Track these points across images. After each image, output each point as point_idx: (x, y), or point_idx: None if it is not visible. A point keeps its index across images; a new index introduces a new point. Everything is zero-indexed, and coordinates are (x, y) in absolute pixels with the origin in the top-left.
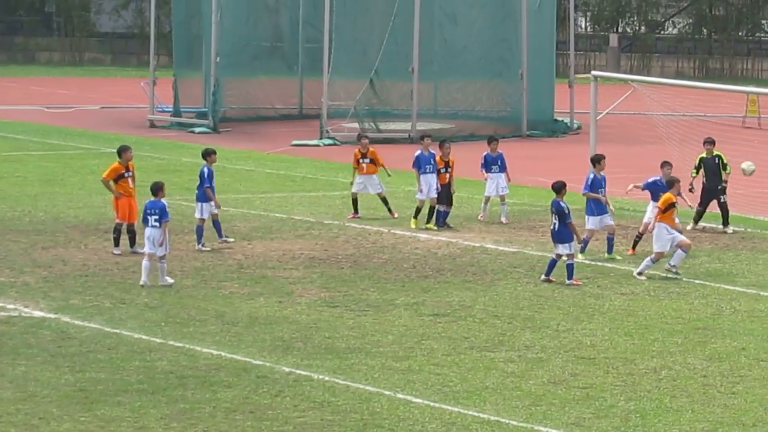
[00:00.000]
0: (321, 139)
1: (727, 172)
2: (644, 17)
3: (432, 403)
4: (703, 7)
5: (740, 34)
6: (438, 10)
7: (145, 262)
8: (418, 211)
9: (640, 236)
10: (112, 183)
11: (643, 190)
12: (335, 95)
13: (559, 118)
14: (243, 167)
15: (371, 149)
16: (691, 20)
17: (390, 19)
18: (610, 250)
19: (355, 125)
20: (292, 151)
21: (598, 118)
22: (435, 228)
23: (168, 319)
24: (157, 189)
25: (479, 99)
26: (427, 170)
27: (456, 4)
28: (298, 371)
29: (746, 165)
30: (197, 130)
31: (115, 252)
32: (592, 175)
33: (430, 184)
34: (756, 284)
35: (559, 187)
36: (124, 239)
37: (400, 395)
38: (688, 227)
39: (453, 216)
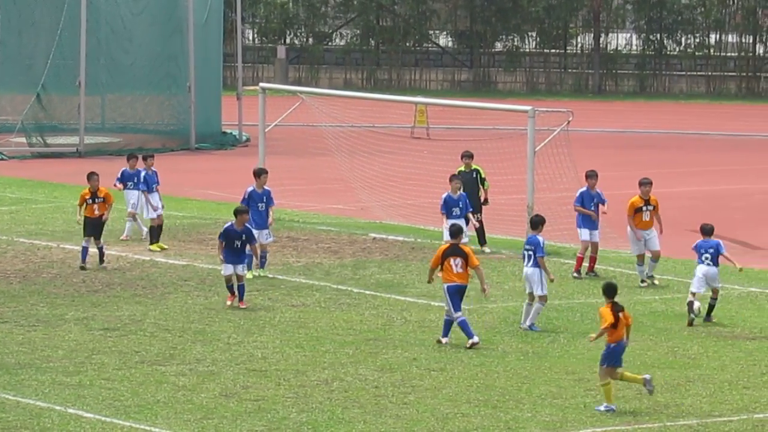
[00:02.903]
0: None
1: (485, 187)
2: (312, 29)
3: (103, 418)
4: (370, 18)
5: (408, 44)
6: (105, 24)
7: None
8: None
9: None
10: None
11: None
12: (1, 110)
13: (228, 131)
14: None
15: None
16: (358, 31)
17: (56, 34)
18: (262, 265)
19: (23, 140)
20: None
21: (266, 130)
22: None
23: None
24: None
25: (148, 113)
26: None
27: (123, 18)
28: None
29: None
30: None
31: None
32: (250, 188)
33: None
34: (426, 294)
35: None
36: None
37: (71, 410)
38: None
39: (121, 231)
